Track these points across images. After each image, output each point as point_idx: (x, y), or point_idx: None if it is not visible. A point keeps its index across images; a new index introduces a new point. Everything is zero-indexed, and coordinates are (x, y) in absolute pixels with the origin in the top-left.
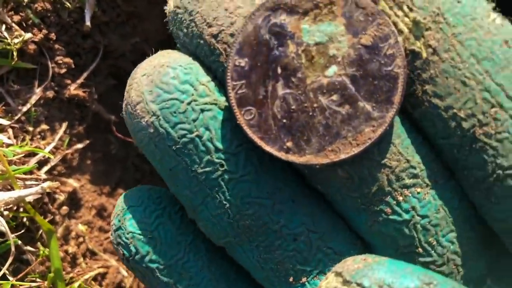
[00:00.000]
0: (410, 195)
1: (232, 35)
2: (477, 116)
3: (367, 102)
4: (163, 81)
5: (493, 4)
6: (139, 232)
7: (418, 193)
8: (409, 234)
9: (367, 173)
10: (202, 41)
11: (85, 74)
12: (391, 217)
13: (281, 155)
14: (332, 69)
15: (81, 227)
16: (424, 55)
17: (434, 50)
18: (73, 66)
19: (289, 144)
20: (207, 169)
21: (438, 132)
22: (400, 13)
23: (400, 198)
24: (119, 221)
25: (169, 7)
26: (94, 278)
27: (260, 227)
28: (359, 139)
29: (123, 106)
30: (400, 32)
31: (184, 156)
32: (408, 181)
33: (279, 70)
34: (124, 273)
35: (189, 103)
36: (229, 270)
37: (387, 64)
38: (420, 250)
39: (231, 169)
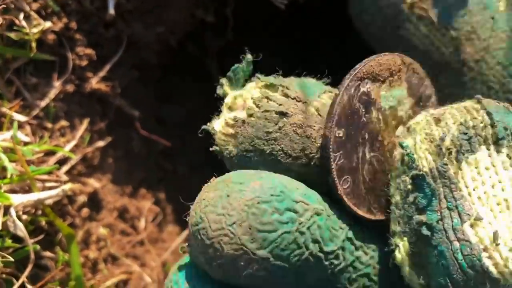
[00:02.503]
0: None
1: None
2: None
3: None
4: (264, 222)
5: None
6: None
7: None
8: None
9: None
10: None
11: (107, 67)
12: None
13: (369, 215)
14: (401, 129)
15: (103, 230)
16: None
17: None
18: (94, 57)
19: (375, 205)
20: (318, 274)
21: None
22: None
23: None
24: None
25: (231, 153)
26: (116, 285)
27: None
28: None
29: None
30: None
31: (301, 275)
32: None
33: (366, 136)
34: (148, 279)
35: (297, 230)
36: None
37: None
38: None
39: (339, 262)
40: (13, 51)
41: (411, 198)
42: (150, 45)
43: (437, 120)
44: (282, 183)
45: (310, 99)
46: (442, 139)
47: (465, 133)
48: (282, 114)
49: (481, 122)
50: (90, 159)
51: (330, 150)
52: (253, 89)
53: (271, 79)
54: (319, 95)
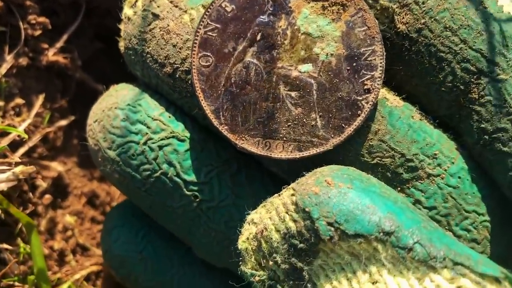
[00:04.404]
0: (412, 188)
1: (187, 71)
2: (459, 87)
3: (320, 118)
4: (114, 126)
5: None
6: (128, 254)
7: (421, 184)
8: None
9: (364, 171)
10: (160, 81)
11: (65, 37)
12: None
13: (212, 117)
14: (307, 67)
15: (69, 219)
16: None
17: (405, 34)
18: (49, 27)
19: (226, 113)
20: (183, 202)
21: (427, 107)
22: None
23: (402, 194)
24: (106, 244)
25: (121, 48)
26: (87, 278)
27: None
28: (291, 146)
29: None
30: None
31: (156, 195)
32: (406, 176)
33: (258, 37)
34: None
35: (145, 143)
36: (227, 274)
37: (359, 94)
38: None
39: (207, 198)
40: None
41: None
42: (113, 11)
43: (261, 236)
44: (147, 100)
45: (188, 7)
46: (275, 258)
47: (294, 245)
48: (155, 16)
49: (303, 222)
50: (52, 140)
51: (207, 14)
52: None
53: None
54: (202, 5)
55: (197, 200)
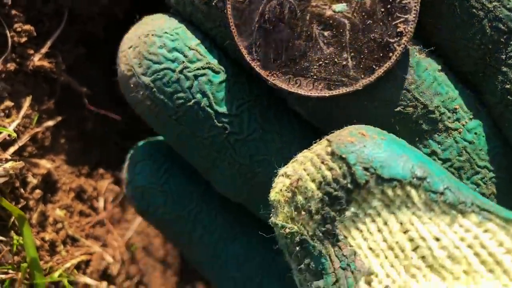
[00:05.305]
0: (430, 139)
1: (223, 0)
2: (487, 45)
3: (351, 58)
4: (150, 52)
5: None
6: (150, 186)
7: (439, 136)
8: None
9: (383, 122)
10: (194, 9)
11: (49, 43)
12: None
13: (245, 53)
14: (342, 7)
15: (59, 212)
16: None
17: None
18: (35, 34)
19: (258, 49)
20: (212, 133)
21: (453, 61)
22: None
23: (420, 144)
24: (129, 175)
25: None
26: (77, 266)
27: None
28: (321, 85)
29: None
30: None
31: (186, 124)
32: (426, 127)
33: None
34: (110, 259)
35: (181, 71)
36: (241, 214)
37: (391, 36)
38: None
39: (236, 131)
40: None
41: (304, 264)
42: (94, 18)
43: (296, 187)
44: (184, 30)
45: None
46: (310, 207)
47: (329, 193)
48: None
49: (339, 170)
50: (40, 140)
51: None
52: None
53: None
54: None
55: (226, 132)
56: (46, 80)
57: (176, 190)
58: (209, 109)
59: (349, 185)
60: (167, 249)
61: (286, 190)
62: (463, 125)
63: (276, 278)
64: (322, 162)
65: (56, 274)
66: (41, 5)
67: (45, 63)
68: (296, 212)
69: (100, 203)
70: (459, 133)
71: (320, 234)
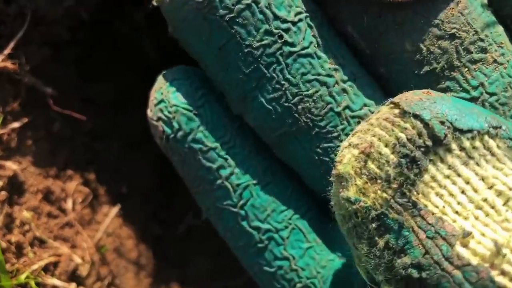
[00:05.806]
0: (478, 71)
1: None
2: None
3: None
4: None
5: None
6: (184, 106)
7: (486, 68)
8: None
9: (436, 45)
10: None
11: (12, 44)
12: (459, 94)
13: None
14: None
15: (26, 214)
16: None
17: None
18: None
19: None
20: (264, 42)
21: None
22: None
23: (468, 75)
24: (162, 93)
25: None
26: (45, 268)
27: (321, 110)
28: None
29: None
30: None
31: (238, 27)
32: (476, 56)
33: None
34: (79, 260)
35: None
36: (276, 165)
37: None
38: None
39: (291, 41)
40: None
41: (381, 243)
42: (59, 20)
43: (367, 154)
44: None
45: None
46: (386, 173)
47: (406, 155)
48: None
49: (413, 129)
50: (6, 141)
51: None
52: None
53: None
54: None
55: (281, 41)
56: (10, 81)
57: (211, 117)
58: (267, 11)
59: (427, 142)
60: (140, 250)
61: (355, 160)
62: (508, 61)
63: None
64: (393, 124)
65: (23, 276)
66: (3, 7)
67: (8, 64)
68: (370, 183)
69: (69, 204)
70: (505, 68)
71: (398, 206)
